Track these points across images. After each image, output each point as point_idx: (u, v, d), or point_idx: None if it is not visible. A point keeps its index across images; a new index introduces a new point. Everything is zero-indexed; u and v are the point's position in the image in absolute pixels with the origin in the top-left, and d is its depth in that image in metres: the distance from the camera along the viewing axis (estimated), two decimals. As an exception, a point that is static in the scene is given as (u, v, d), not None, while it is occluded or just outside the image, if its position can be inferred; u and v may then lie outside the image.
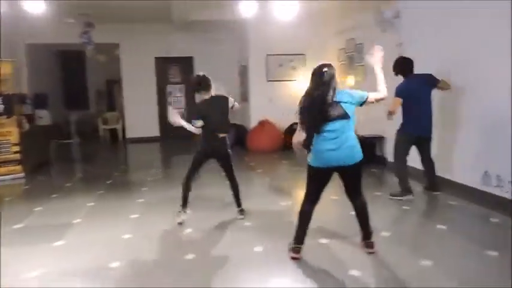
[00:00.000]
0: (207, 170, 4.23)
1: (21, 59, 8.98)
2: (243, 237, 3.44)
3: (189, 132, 3.68)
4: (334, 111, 2.76)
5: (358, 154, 2.85)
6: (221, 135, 3.69)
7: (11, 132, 5.95)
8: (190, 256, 3.05)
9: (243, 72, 9.11)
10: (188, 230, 3.62)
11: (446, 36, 4.69)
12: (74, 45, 8.94)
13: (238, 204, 3.87)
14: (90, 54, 8.88)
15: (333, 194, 3.99)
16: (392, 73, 4.40)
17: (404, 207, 4.13)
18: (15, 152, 6.00)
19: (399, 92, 4.20)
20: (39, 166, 6.54)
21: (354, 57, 7.30)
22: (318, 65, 2.86)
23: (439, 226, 3.54)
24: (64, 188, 5.42)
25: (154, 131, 9.87)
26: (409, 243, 3.25)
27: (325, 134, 2.79)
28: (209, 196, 4.66)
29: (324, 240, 3.27)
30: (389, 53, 5.23)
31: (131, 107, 9.75)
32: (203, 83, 3.75)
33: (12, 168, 5.96)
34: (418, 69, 4.43)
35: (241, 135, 8.46)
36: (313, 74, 2.85)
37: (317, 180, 2.94)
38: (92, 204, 4.54)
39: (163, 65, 9.89)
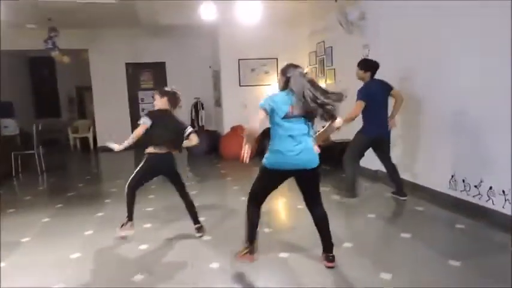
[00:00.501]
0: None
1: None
2: (199, 253, 3.27)
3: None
4: (300, 110, 2.63)
5: (316, 158, 2.72)
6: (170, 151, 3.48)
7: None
8: (138, 277, 2.86)
9: (216, 77, 8.95)
10: (143, 247, 3.42)
11: (411, 37, 4.63)
12: (43, 52, 8.66)
13: (196, 222, 3.63)
14: (58, 58, 8.57)
15: (299, 203, 3.85)
16: (355, 77, 4.36)
17: (369, 215, 4.02)
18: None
19: (363, 96, 4.13)
20: (1, 178, 6.23)
21: (325, 61, 7.23)
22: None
23: (403, 235, 3.44)
24: (23, 202, 5.16)
25: (126, 138, 9.56)
26: (372, 254, 3.12)
27: (287, 132, 2.62)
28: (165, 206, 4.47)
29: (283, 254, 3.12)
30: (356, 55, 5.27)
31: (102, 115, 9.47)
32: (173, 100, 3.56)
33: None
34: (383, 71, 4.36)
35: (214, 141, 8.29)
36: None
37: (270, 183, 2.81)
38: (47, 220, 4.30)
39: (134, 70, 9.64)
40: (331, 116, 2.68)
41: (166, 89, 3.65)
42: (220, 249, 3.26)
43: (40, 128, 7.01)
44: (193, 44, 9.29)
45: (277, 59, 8.24)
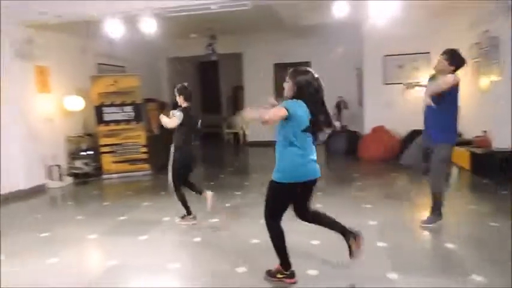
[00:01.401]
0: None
1: (163, 71, 10.51)
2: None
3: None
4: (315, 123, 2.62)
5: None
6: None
7: (140, 135, 6.98)
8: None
9: (360, 76, 8.58)
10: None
11: None
12: (207, 57, 9.99)
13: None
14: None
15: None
16: None
17: None
18: (143, 153, 7.01)
19: None
20: (162, 166, 7.47)
21: (490, 53, 6.05)
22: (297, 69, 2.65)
23: None
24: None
25: (273, 135, 10.14)
26: None
27: (303, 144, 2.59)
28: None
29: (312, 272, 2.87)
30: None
31: (251, 112, 10.24)
32: (188, 93, 4.12)
33: (140, 166, 6.99)
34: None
35: (353, 142, 7.98)
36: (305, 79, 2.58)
37: (291, 198, 2.72)
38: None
39: (281, 70, 10.09)
40: (329, 125, 2.63)
41: None
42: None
43: (200, 123, 8.05)
44: (337, 42, 9.10)
45: (429, 53, 7.35)
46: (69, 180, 6.53)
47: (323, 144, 8.52)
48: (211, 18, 7.20)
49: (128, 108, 6.79)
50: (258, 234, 3.47)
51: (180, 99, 4.12)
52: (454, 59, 3.58)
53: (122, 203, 5.24)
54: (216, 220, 4.27)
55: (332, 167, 7.38)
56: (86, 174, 6.69)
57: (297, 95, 2.57)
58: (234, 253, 3.35)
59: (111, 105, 6.75)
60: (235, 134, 11.14)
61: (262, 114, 2.51)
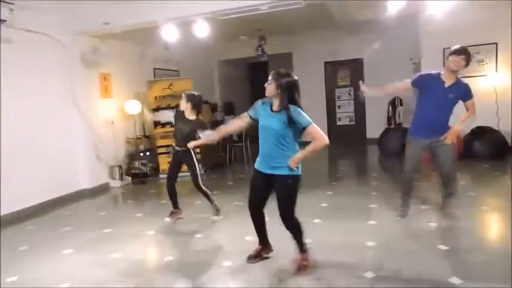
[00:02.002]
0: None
1: (214, 73, 10.76)
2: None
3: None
4: None
5: None
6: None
7: (192, 135, 7.17)
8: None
9: (417, 70, 8.14)
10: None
11: None
12: (256, 58, 10.06)
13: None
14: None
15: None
16: None
17: None
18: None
19: None
20: (214, 166, 7.65)
21: None
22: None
23: None
24: (224, 187, 6.16)
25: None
26: None
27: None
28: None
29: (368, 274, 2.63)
30: None
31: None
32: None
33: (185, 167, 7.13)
34: None
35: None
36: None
37: None
38: (237, 203, 5.01)
39: (332, 69, 9.90)
40: None
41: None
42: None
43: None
44: (392, 37, 8.72)
45: (496, 44, 6.82)
46: (128, 179, 6.89)
47: (376, 144, 8.23)
48: (260, 19, 7.26)
49: (182, 111, 7.02)
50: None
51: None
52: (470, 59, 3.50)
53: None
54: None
55: (387, 167, 7.08)
56: (144, 174, 7.01)
57: (283, 96, 2.69)
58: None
59: (167, 107, 7.02)
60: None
61: (318, 145, 2.67)
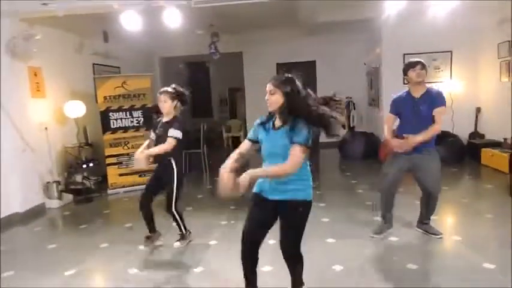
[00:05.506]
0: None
1: (156, 72, 9.70)
2: None
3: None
4: None
5: None
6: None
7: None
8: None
9: (374, 75, 8.23)
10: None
11: None
12: (199, 56, 9.29)
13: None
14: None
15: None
16: None
17: None
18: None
19: None
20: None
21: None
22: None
23: None
24: (196, 201, 5.40)
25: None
26: None
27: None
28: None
29: None
30: None
31: (253, 115, 9.67)
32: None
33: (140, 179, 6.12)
34: None
35: (371, 145, 7.60)
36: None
37: None
38: (226, 223, 4.32)
39: (284, 70, 9.55)
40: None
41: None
42: None
43: (205, 127, 7.39)
44: (346, 40, 8.74)
45: (451, 52, 7.12)
46: (69, 198, 5.67)
47: (336, 148, 8.10)
48: (214, 13, 6.54)
49: (138, 113, 6.00)
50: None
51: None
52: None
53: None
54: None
55: (353, 173, 6.94)
56: (88, 190, 5.83)
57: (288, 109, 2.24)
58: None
59: (119, 109, 5.94)
60: (235, 138, 10.49)
61: (286, 169, 2.14)
